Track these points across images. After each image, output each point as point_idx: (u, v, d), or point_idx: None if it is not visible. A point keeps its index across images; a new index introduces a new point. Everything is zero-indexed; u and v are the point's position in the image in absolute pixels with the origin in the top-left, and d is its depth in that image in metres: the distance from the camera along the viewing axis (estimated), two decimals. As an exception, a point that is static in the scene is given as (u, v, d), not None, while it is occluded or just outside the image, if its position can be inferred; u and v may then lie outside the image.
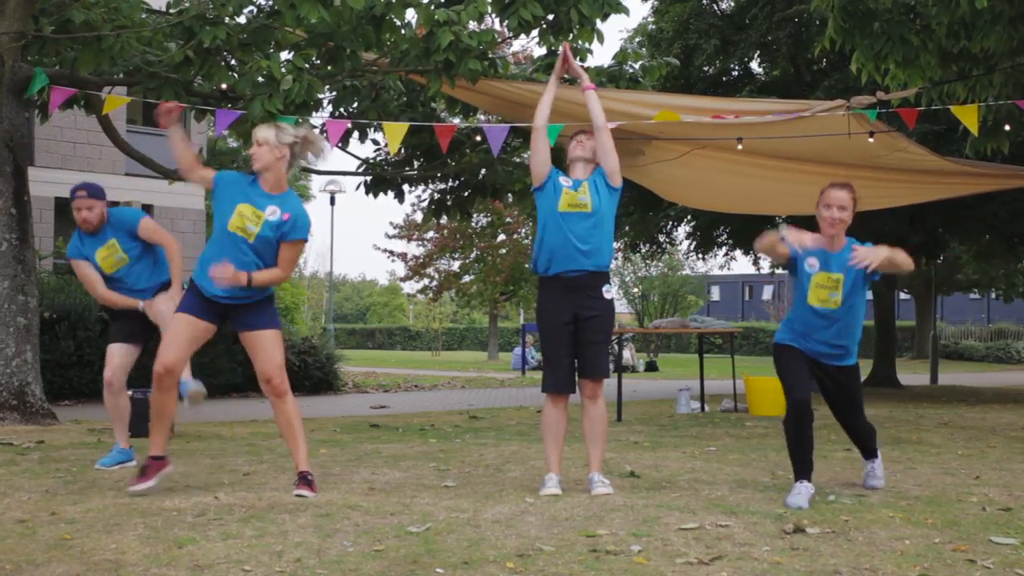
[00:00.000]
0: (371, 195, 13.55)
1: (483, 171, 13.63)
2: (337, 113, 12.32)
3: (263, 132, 5.60)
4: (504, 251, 37.49)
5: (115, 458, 6.56)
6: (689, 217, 19.16)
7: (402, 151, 13.22)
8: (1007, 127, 11.82)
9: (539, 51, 12.06)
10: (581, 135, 5.88)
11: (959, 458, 7.51)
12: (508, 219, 35.33)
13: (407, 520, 4.69)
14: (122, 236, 6.69)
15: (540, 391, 5.89)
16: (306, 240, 5.72)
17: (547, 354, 5.80)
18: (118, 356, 6.66)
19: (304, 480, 5.48)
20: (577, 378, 5.74)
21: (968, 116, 9.09)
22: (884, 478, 5.89)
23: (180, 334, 5.50)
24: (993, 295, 30.95)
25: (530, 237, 36.65)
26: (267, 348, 5.59)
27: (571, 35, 10.33)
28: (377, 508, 5.01)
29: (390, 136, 9.79)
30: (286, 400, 5.60)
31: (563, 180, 5.71)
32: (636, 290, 59.35)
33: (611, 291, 5.80)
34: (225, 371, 14.57)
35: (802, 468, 5.44)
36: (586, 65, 12.15)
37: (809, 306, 5.51)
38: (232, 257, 5.42)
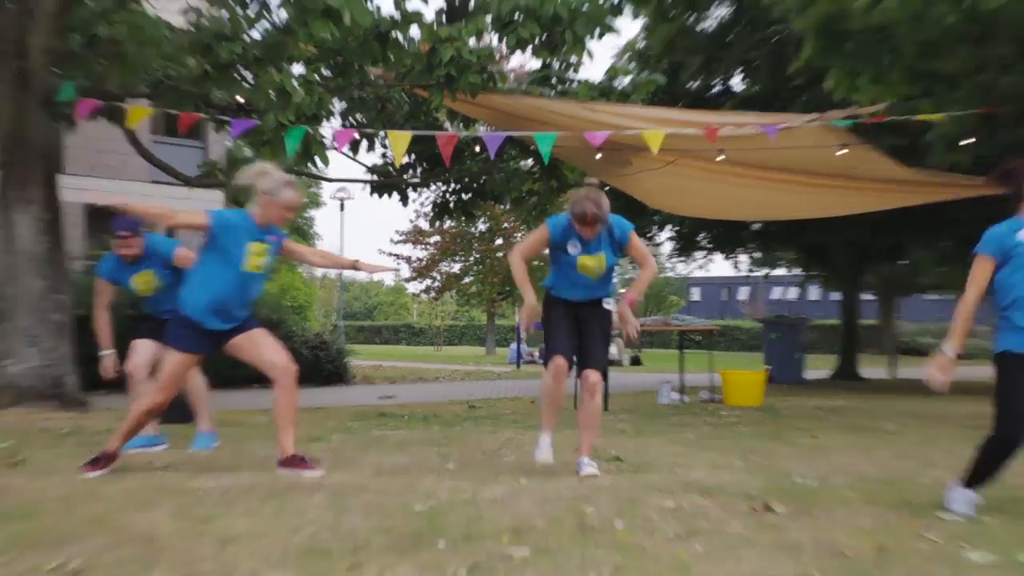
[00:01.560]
0: (376, 195, 13.65)
1: (484, 177, 13.71)
2: (346, 123, 12.39)
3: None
4: (501, 254, 37.45)
5: (136, 442, 6.46)
6: (673, 223, 19.22)
7: (408, 157, 13.31)
8: (970, 140, 11.89)
9: (535, 64, 12.10)
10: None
11: (913, 444, 7.62)
12: (505, 224, 35.34)
13: (412, 499, 4.73)
14: (158, 266, 6.71)
15: (541, 365, 5.87)
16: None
17: (551, 332, 5.77)
18: (140, 352, 6.70)
19: (302, 461, 5.52)
20: (577, 370, 5.76)
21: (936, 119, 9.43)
22: None
23: (178, 374, 5.53)
24: (950, 296, 31.16)
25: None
26: (266, 339, 5.65)
27: (562, 52, 10.44)
28: (385, 488, 5.05)
29: (395, 145, 9.84)
30: (294, 380, 5.60)
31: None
32: (622, 291, 59.28)
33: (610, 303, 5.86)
34: (246, 363, 14.61)
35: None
36: (576, 78, 12.29)
37: None
38: (248, 292, 5.53)
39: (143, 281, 6.70)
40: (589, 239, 5.67)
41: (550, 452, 5.71)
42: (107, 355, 6.77)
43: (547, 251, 5.89)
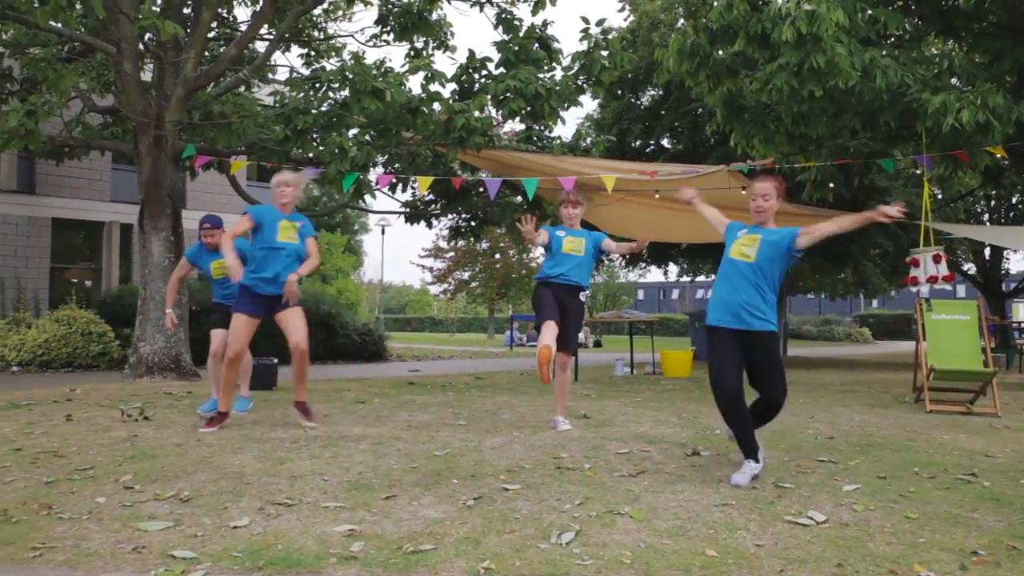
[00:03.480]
0: (409, 223, 13.69)
1: (486, 210, 13.71)
2: (387, 171, 12.38)
3: (289, 175, 5.37)
4: (498, 266, 37.69)
5: (209, 406, 6.20)
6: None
7: (430, 195, 13.34)
8: (831, 184, 11.98)
9: (519, 127, 12.17)
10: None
11: (800, 404, 7.56)
12: (502, 243, 35.48)
13: (433, 447, 4.69)
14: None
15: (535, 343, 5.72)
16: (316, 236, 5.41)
17: (540, 305, 5.45)
18: (218, 337, 6.28)
19: (305, 410, 5.45)
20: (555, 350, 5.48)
21: (809, 169, 9.42)
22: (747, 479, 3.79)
23: (243, 330, 5.27)
24: (823, 296, 31.29)
25: (516, 257, 36.85)
26: (296, 320, 5.32)
27: (542, 120, 10.41)
28: (413, 438, 5.00)
29: (421, 185, 9.98)
30: (305, 355, 5.40)
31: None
32: (588, 291, 59.17)
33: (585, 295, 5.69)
34: (311, 345, 14.52)
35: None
36: (552, 137, 12.27)
37: (728, 259, 4.04)
38: (285, 264, 5.26)
39: (217, 265, 6.33)
40: (572, 227, 5.57)
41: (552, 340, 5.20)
42: (169, 313, 6.29)
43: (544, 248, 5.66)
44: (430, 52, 11.68)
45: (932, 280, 8.28)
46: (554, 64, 10.77)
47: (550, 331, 5.23)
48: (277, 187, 5.38)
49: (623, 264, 22.59)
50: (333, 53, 12.91)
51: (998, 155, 9.43)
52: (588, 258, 5.58)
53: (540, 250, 5.76)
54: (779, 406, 4.04)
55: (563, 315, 5.42)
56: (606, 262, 22.94)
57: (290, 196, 5.37)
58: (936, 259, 8.34)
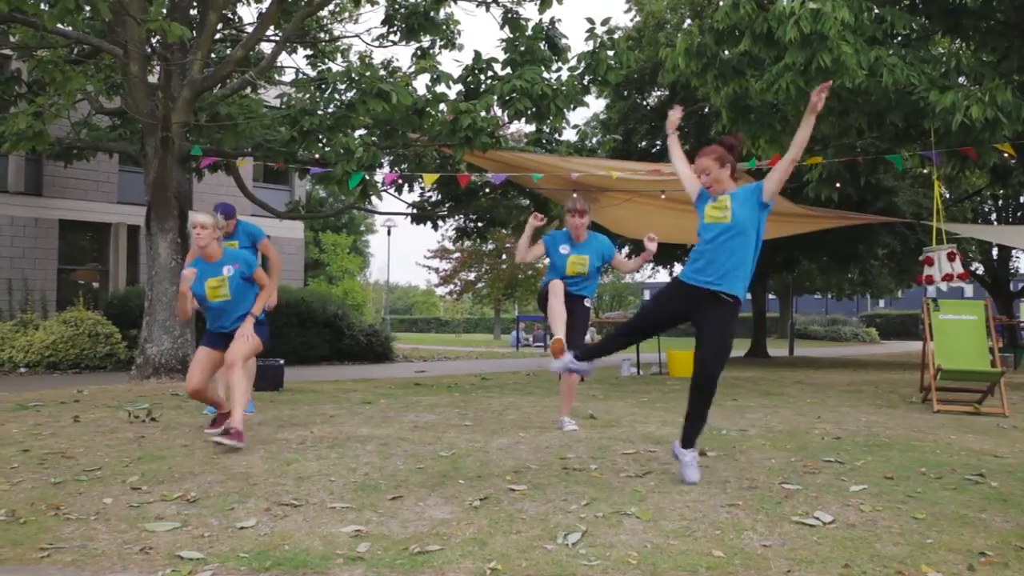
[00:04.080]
0: (415, 224, 13.76)
1: (492, 211, 13.72)
2: (392, 171, 12.41)
3: (202, 217, 4.95)
4: (504, 266, 37.70)
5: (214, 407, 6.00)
6: (629, 244, 19.13)
7: (437, 195, 13.37)
8: (838, 184, 11.97)
9: (528, 128, 12.18)
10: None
11: (807, 404, 7.51)
12: (508, 244, 35.44)
13: (440, 447, 4.68)
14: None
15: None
16: (256, 266, 5.06)
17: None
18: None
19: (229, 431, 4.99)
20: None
21: (815, 165, 9.55)
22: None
23: (202, 363, 4.97)
24: (830, 296, 31.15)
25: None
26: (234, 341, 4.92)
27: (548, 120, 10.41)
28: (419, 439, 5.00)
29: (426, 179, 10.10)
30: (232, 368, 4.82)
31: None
32: (592, 297, 59.13)
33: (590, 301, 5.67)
34: (318, 346, 14.53)
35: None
36: (559, 138, 12.30)
37: (704, 224, 4.05)
38: (230, 315, 5.00)
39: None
40: (578, 240, 5.48)
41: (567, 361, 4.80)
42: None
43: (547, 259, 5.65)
44: (436, 51, 11.69)
45: (948, 278, 8.26)
46: (560, 64, 10.78)
47: (560, 320, 5.17)
48: (192, 229, 4.99)
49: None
50: (339, 54, 12.94)
51: (1006, 153, 9.40)
52: (593, 275, 5.60)
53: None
54: (710, 375, 3.94)
55: (568, 317, 5.40)
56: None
57: (206, 238, 4.95)
58: (950, 257, 8.32)
